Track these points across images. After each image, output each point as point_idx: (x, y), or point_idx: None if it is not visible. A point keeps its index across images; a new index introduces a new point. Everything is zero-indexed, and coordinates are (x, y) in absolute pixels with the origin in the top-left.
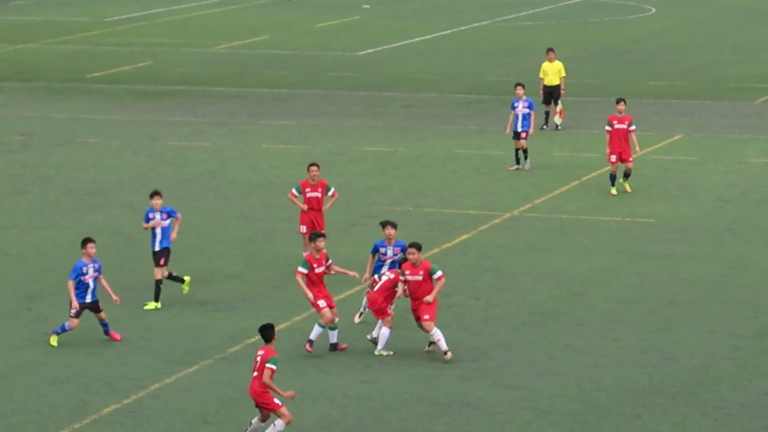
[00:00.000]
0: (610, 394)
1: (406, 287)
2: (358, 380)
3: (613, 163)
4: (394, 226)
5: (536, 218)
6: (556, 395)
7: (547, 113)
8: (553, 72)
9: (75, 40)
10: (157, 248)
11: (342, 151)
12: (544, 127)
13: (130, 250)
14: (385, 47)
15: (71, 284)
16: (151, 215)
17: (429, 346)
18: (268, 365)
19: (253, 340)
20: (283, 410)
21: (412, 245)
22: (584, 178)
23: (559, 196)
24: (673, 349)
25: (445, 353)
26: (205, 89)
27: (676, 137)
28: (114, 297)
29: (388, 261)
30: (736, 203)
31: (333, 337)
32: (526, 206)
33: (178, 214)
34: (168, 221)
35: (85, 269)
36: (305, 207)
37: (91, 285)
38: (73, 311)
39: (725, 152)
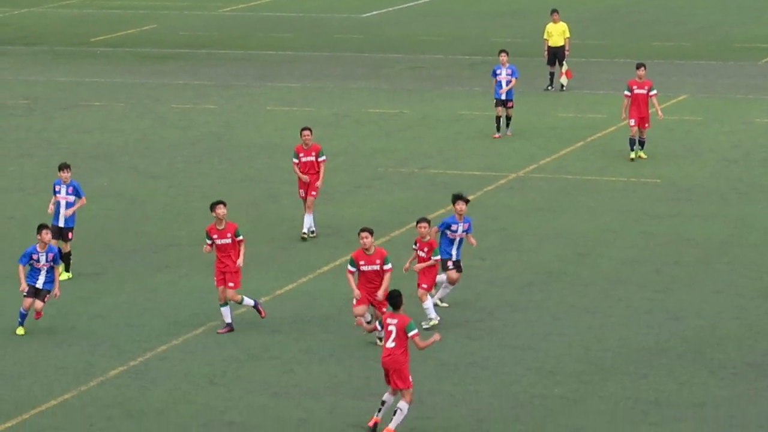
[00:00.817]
0: (616, 354)
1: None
2: (365, 341)
3: (632, 127)
4: (466, 201)
5: (541, 179)
6: (562, 355)
7: (552, 74)
8: (557, 33)
9: (79, 4)
10: (61, 224)
11: (347, 113)
12: (549, 88)
13: (134, 212)
14: (390, 9)
15: (21, 268)
16: (57, 188)
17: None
18: (412, 333)
19: (260, 300)
20: (411, 390)
21: (364, 229)
22: (589, 139)
23: (564, 156)
24: (679, 309)
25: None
26: (210, 52)
27: (681, 98)
28: (56, 291)
29: (458, 238)
30: (741, 163)
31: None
32: (531, 167)
33: (84, 196)
34: (73, 197)
35: (35, 256)
36: (306, 178)
37: (43, 274)
38: (25, 291)
39: (730, 112)
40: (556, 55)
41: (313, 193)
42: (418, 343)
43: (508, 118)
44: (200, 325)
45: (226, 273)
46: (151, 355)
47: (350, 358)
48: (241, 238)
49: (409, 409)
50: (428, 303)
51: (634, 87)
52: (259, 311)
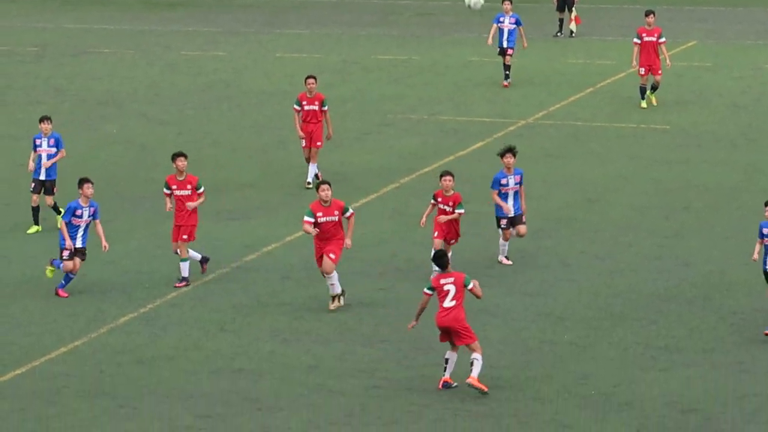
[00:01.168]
0: (626, 300)
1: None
2: (375, 287)
3: (642, 75)
4: (514, 153)
5: (551, 125)
6: (571, 302)
7: (561, 20)
8: None
9: None
10: (42, 177)
11: (356, 60)
12: (558, 34)
13: (144, 159)
14: None
15: (64, 224)
16: (37, 141)
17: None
18: (470, 286)
19: (268, 248)
20: (478, 342)
21: (324, 182)
22: (598, 85)
23: (574, 103)
24: (688, 255)
25: (333, 299)
26: None
27: (690, 44)
28: (104, 244)
29: (511, 192)
30: (750, 109)
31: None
32: (541, 113)
33: (63, 148)
34: (54, 149)
35: (79, 211)
36: (302, 135)
37: (82, 230)
38: (66, 253)
39: (739, 58)
40: (565, 2)
41: (319, 143)
42: (478, 292)
43: (508, 67)
44: (210, 272)
45: (182, 226)
46: (161, 302)
47: (360, 305)
48: (201, 190)
49: (482, 357)
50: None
51: (644, 34)
52: (202, 267)
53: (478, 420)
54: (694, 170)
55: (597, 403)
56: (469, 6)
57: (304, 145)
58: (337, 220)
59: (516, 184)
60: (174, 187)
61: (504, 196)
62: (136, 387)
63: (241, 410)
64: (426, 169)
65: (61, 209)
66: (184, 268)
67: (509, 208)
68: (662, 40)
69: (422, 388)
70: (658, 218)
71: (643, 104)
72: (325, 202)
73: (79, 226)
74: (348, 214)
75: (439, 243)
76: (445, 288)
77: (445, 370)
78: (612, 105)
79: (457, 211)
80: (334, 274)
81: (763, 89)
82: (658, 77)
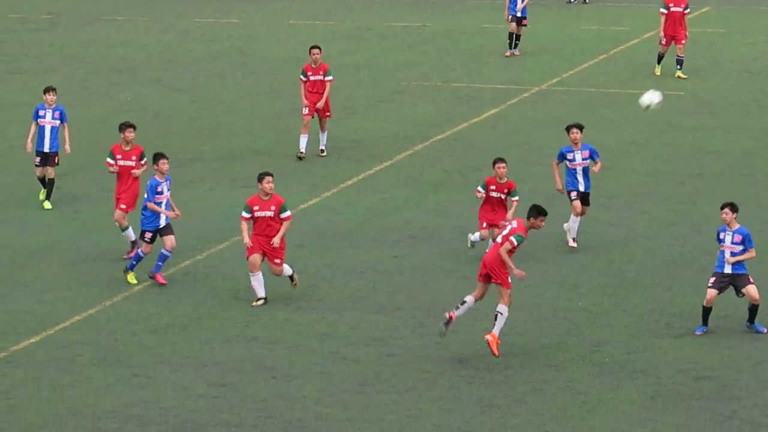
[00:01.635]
0: (640, 267)
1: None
2: (389, 255)
3: (664, 45)
4: (580, 128)
5: (564, 92)
6: (585, 268)
7: None
8: None
9: None
10: (47, 149)
11: (369, 27)
12: (572, 0)
13: (158, 126)
14: None
15: (152, 206)
16: (41, 112)
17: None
18: (512, 238)
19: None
20: (510, 292)
21: (267, 173)
22: (612, 52)
23: (587, 69)
24: (702, 221)
25: (292, 279)
26: None
27: (704, 10)
28: (177, 212)
29: (579, 168)
30: (763, 75)
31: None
32: (554, 80)
33: (67, 122)
34: (58, 122)
35: (159, 188)
36: (306, 104)
37: (164, 206)
38: (149, 236)
39: (753, 24)
40: None
41: (328, 113)
42: (501, 249)
43: (518, 37)
44: (224, 240)
45: (122, 195)
46: (175, 270)
47: (374, 273)
48: (144, 161)
49: (509, 312)
50: (288, 269)
51: (671, 4)
52: (132, 249)
53: (492, 387)
54: (708, 136)
55: (611, 370)
56: (647, 107)
57: (306, 113)
58: (272, 215)
59: (584, 159)
60: (118, 156)
61: (572, 172)
62: (150, 355)
63: (255, 378)
64: (440, 136)
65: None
66: (130, 236)
67: (561, 184)
68: (687, 10)
69: (436, 356)
70: (672, 184)
71: (657, 71)
72: (267, 195)
73: (160, 203)
74: (285, 215)
75: (486, 234)
76: (509, 224)
77: (456, 309)
78: (626, 71)
79: (512, 199)
80: (286, 267)
81: None
82: (681, 47)
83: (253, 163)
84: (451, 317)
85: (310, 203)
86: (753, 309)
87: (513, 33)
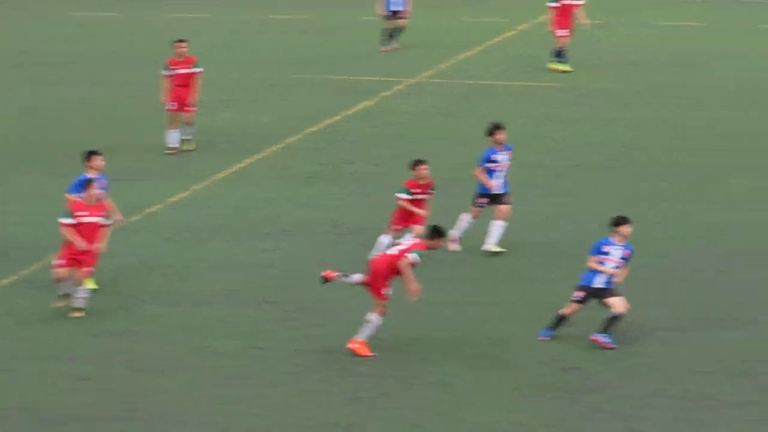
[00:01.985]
0: (516, 260)
1: None
2: (259, 248)
3: (563, 38)
4: (503, 129)
5: (440, 84)
6: (456, 261)
7: None
8: None
9: None
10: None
11: (247, 20)
12: None
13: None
14: None
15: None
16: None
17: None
18: (414, 255)
19: (152, 209)
20: (386, 303)
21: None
22: (488, 43)
23: (464, 60)
24: (580, 214)
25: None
26: None
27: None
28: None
29: (503, 169)
30: (642, 67)
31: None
32: (429, 72)
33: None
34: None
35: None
36: (168, 100)
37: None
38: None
39: (632, 15)
40: None
41: (194, 108)
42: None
43: (399, 30)
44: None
45: None
46: (43, 264)
47: (244, 266)
48: None
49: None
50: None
51: None
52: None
53: (361, 380)
54: (586, 129)
55: (480, 362)
56: None
57: (172, 108)
58: (100, 222)
59: (509, 160)
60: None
61: (491, 173)
62: (15, 349)
63: (120, 372)
64: (312, 129)
65: None
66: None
67: (493, 183)
68: (580, 2)
69: (306, 349)
70: (550, 177)
71: (566, 67)
72: (98, 200)
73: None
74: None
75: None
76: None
77: (345, 276)
78: (503, 63)
79: (430, 192)
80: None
81: (654, 47)
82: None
83: (126, 158)
84: (330, 277)
85: (180, 196)
86: (614, 319)
87: (387, 29)
